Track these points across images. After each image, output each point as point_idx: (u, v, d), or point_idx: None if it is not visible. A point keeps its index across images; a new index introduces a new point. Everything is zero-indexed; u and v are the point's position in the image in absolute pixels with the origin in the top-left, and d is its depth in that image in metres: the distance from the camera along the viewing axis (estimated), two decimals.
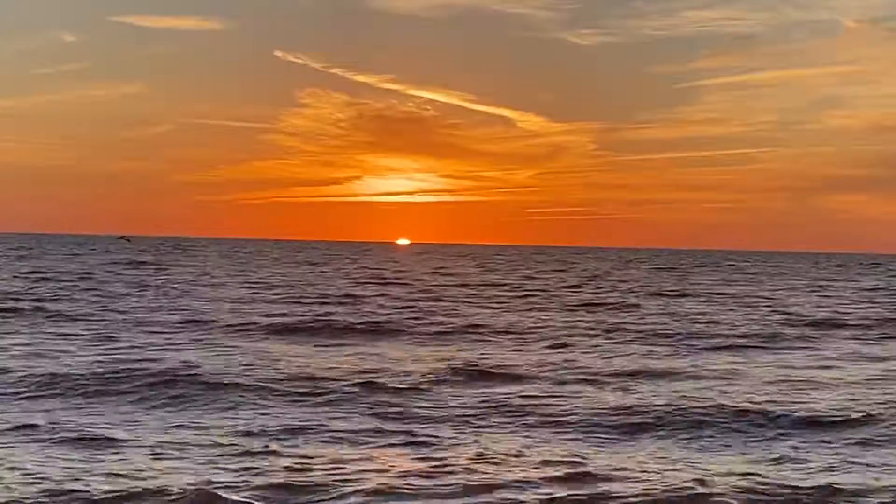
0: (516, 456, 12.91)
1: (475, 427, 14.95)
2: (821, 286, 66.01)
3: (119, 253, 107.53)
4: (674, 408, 16.35)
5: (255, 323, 29.70)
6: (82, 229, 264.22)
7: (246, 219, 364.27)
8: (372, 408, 16.13)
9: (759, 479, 12.01)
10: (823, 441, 14.44)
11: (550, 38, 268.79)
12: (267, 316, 31.86)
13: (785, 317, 36.85)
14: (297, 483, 11.35)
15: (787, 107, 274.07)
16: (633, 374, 20.83)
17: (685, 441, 14.37)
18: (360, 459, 12.63)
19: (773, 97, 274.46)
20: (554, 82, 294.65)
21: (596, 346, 26.49)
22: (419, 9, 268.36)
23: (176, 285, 47.95)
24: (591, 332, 29.80)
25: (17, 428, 13.88)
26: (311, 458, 12.59)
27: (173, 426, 14.52)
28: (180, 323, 29.40)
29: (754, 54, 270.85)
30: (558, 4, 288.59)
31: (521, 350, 25.17)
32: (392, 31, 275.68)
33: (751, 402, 17.11)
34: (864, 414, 16.04)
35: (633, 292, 52.30)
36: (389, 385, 18.34)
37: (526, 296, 47.47)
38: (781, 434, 14.88)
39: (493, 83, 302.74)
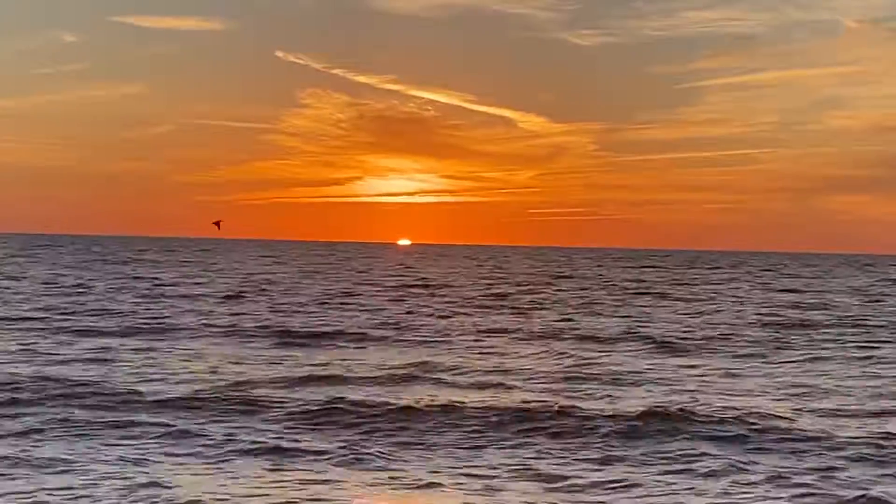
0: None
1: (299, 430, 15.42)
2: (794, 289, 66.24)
3: (104, 254, 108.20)
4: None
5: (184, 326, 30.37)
6: (83, 230, 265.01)
7: (247, 219, 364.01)
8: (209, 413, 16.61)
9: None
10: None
11: (551, 38, 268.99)
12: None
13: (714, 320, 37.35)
14: None
15: (788, 107, 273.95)
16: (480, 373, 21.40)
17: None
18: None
19: (774, 98, 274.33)
20: (554, 83, 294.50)
21: (476, 344, 27.09)
22: (420, 9, 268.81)
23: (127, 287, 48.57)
24: (494, 332, 30.38)
25: None
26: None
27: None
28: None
29: (755, 55, 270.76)
30: (559, 5, 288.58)
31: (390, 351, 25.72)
32: (393, 32, 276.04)
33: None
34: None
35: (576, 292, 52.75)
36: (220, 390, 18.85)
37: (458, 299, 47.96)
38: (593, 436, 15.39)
39: (494, 84, 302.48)
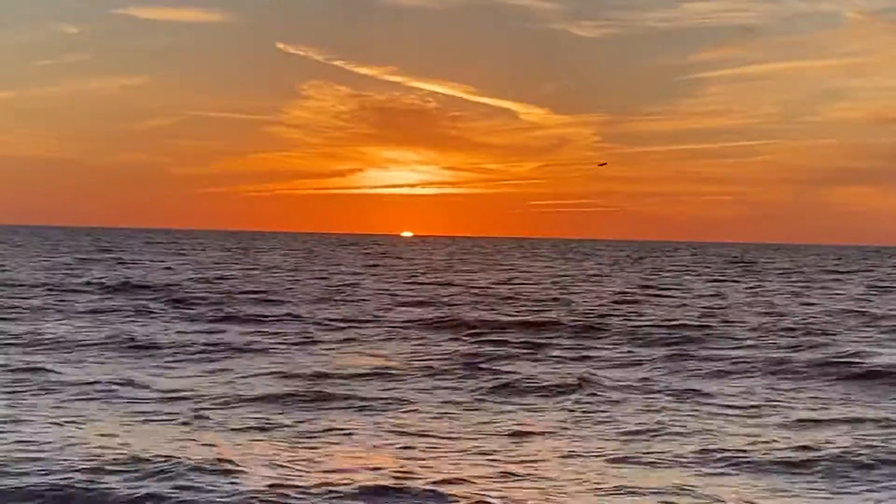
0: None
1: None
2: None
3: (76, 245, 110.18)
4: None
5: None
6: (83, 221, 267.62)
7: (249, 211, 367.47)
8: None
9: None
10: None
11: (553, 29, 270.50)
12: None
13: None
14: None
15: (790, 99, 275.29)
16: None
17: None
18: None
19: (776, 89, 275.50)
20: (556, 74, 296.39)
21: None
22: (421, 0, 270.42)
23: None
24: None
25: None
26: None
27: None
28: None
29: (757, 46, 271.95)
30: None
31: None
32: (394, 23, 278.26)
33: None
34: None
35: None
36: None
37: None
38: None
39: (496, 75, 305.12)
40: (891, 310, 41.10)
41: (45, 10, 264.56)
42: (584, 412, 17.48)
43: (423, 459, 13.90)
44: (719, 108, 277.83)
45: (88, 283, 44.75)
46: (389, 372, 21.50)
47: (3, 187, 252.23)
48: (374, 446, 14.73)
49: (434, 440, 15.17)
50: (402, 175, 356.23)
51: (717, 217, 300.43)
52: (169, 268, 62.73)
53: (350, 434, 15.48)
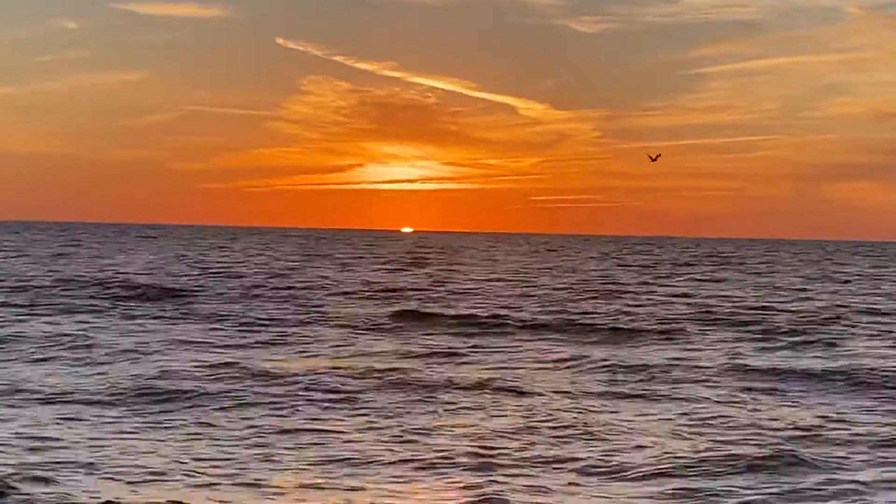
0: None
1: None
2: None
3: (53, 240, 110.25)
4: None
5: None
6: (83, 217, 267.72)
7: (249, 207, 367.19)
8: None
9: None
10: None
11: (552, 24, 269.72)
12: None
13: None
14: None
15: (790, 94, 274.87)
16: None
17: None
18: None
19: (776, 84, 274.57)
20: (556, 69, 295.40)
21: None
22: None
23: None
24: None
25: None
26: None
27: None
28: None
29: (757, 41, 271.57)
30: None
31: None
32: (394, 18, 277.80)
33: None
34: None
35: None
36: None
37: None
38: None
39: (496, 70, 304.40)
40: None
41: (45, 6, 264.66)
42: (493, 413, 16.95)
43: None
44: (719, 103, 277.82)
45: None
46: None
47: (3, 183, 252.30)
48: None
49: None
50: (401, 170, 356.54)
51: (718, 212, 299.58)
52: (125, 262, 62.35)
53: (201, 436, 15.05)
